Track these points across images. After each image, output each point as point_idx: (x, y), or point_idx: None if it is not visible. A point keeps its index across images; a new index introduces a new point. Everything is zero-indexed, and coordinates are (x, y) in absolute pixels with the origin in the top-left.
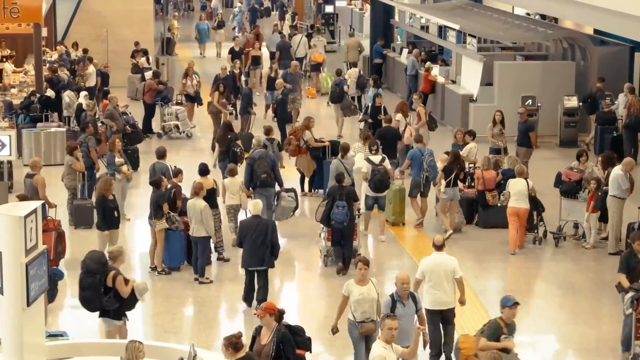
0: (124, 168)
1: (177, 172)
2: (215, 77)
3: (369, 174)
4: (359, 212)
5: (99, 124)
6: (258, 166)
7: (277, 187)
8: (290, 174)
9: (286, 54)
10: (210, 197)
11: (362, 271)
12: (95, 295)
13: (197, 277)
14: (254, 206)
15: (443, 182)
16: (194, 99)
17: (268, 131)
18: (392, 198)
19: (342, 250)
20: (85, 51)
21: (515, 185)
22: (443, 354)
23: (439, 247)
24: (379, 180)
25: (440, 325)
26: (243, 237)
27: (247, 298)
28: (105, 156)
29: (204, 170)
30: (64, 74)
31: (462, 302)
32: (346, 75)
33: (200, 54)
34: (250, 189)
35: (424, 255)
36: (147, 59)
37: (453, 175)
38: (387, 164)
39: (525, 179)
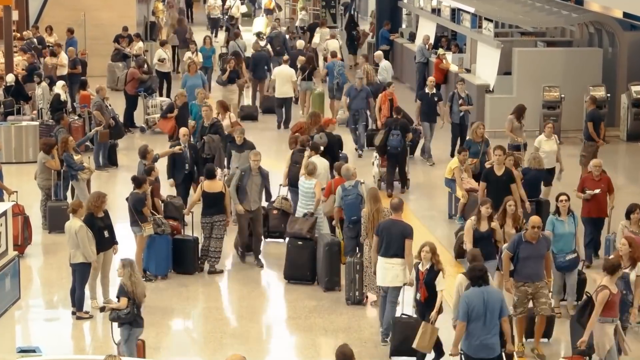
0: (86, 164)
1: (150, 170)
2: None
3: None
4: (411, 142)
5: (76, 117)
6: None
7: None
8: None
9: None
10: (218, 202)
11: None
12: None
13: (74, 310)
14: None
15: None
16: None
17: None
18: (314, 100)
19: (393, 176)
20: (71, 31)
21: None
22: None
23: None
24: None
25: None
26: None
27: None
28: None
29: (211, 173)
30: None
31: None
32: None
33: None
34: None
35: None
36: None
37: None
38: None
39: None
